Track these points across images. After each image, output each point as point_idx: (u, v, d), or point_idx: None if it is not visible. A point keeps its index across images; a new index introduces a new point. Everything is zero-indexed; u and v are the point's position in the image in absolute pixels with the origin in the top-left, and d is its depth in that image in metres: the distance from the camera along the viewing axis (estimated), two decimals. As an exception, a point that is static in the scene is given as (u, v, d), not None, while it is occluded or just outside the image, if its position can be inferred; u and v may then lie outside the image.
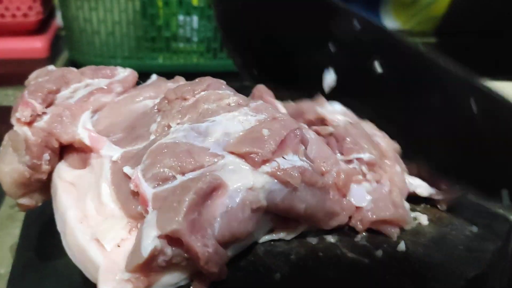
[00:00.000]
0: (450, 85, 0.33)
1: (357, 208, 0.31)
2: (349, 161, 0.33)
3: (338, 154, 0.34)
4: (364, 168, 0.33)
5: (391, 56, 0.36)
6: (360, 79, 0.38)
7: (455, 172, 0.34)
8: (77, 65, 0.39)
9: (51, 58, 0.88)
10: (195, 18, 0.76)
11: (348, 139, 0.33)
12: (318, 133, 0.35)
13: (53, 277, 0.40)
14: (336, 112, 0.37)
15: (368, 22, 0.37)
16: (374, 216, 0.31)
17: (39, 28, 0.88)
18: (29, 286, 0.38)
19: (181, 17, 0.75)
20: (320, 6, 0.40)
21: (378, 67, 0.37)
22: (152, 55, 0.77)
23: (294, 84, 0.37)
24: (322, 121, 0.36)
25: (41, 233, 0.44)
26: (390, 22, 1.17)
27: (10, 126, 0.65)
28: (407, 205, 0.32)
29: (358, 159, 0.33)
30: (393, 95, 0.37)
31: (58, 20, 0.98)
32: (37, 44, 0.86)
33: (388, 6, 1.16)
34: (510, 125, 0.31)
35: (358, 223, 0.31)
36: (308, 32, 0.41)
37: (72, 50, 0.80)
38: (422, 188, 0.35)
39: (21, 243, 0.42)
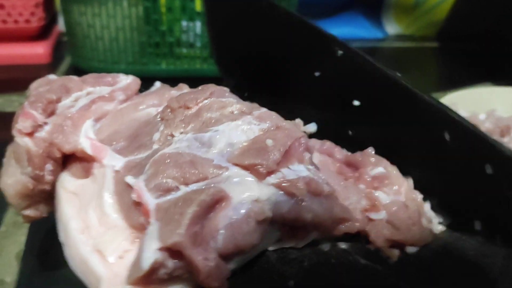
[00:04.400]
0: (425, 114, 0.33)
1: (370, 220, 0.31)
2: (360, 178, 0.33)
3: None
4: (377, 183, 0.32)
5: (369, 85, 0.37)
6: (340, 106, 0.38)
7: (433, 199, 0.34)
8: (80, 70, 0.39)
9: (54, 63, 0.88)
10: (198, 24, 0.76)
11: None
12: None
13: (61, 285, 0.40)
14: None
15: (349, 48, 0.38)
16: (390, 234, 0.30)
17: (41, 34, 0.88)
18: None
19: (184, 23, 0.75)
20: (303, 31, 0.40)
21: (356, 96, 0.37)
22: (155, 60, 0.77)
23: (283, 107, 0.37)
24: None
25: (47, 241, 0.44)
26: (392, 27, 1.17)
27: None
28: (424, 221, 0.32)
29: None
30: (370, 123, 0.37)
31: (60, 26, 0.98)
32: (39, 50, 0.86)
33: (389, 11, 1.16)
34: (482, 157, 0.30)
35: (377, 240, 0.31)
36: (294, 56, 0.42)
37: (75, 56, 0.80)
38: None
39: (27, 251, 0.42)
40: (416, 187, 0.34)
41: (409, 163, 0.34)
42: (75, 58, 0.80)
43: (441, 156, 0.33)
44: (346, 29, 1.13)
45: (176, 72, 0.77)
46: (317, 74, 0.40)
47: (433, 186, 0.34)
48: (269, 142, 0.28)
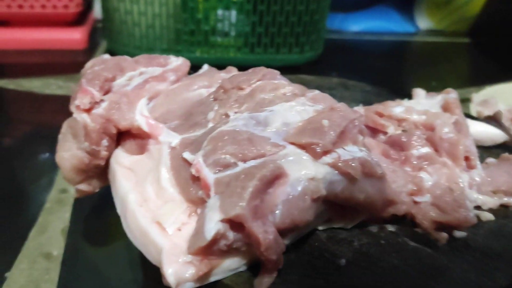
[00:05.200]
0: None
1: (415, 202, 0.31)
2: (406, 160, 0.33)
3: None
4: (422, 163, 0.33)
5: None
6: None
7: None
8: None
9: (89, 49, 0.90)
10: (233, 13, 0.76)
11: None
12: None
13: (106, 259, 0.41)
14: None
15: None
16: (436, 216, 0.31)
17: (78, 20, 0.89)
18: (83, 267, 0.39)
19: (220, 11, 0.76)
20: None
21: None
22: (190, 48, 0.78)
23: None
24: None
25: (90, 217, 0.46)
26: (424, 21, 1.16)
27: (53, 114, 0.67)
28: (470, 204, 0.32)
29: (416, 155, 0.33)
30: None
31: (96, 12, 1.00)
32: (76, 36, 0.87)
33: (422, 6, 1.15)
34: None
35: (424, 221, 0.31)
36: None
37: (111, 41, 0.81)
38: (489, 203, 0.34)
39: (72, 227, 0.43)
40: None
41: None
42: (111, 43, 0.81)
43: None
44: (378, 22, 1.13)
45: (209, 60, 0.77)
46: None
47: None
48: (325, 122, 0.28)
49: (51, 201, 0.48)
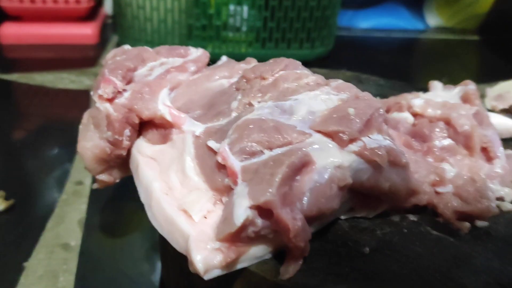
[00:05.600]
0: None
1: (437, 193, 0.31)
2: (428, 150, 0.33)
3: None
4: (445, 154, 0.33)
5: None
6: None
7: None
8: None
9: (101, 44, 0.90)
10: (245, 8, 0.76)
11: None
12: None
13: (123, 250, 0.41)
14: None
15: None
16: (459, 206, 0.31)
17: (90, 15, 0.89)
18: (100, 258, 0.39)
19: (231, 7, 0.76)
20: None
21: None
22: (201, 43, 0.78)
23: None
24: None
25: (107, 208, 0.46)
26: (433, 19, 1.16)
27: (65, 107, 0.67)
28: (492, 195, 0.32)
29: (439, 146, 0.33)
30: None
31: (106, 8, 1.00)
32: (87, 31, 0.88)
33: (431, 3, 1.15)
34: None
35: (446, 211, 0.31)
36: None
37: (122, 36, 0.81)
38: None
39: (89, 218, 0.44)
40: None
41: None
42: (123, 39, 0.81)
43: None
44: (387, 19, 1.13)
45: (221, 55, 0.78)
46: None
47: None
48: (351, 110, 0.28)
49: (67, 192, 0.48)
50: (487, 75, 0.87)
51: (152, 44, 0.77)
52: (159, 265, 0.39)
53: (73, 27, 0.87)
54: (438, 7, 1.15)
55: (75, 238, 0.42)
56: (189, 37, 0.77)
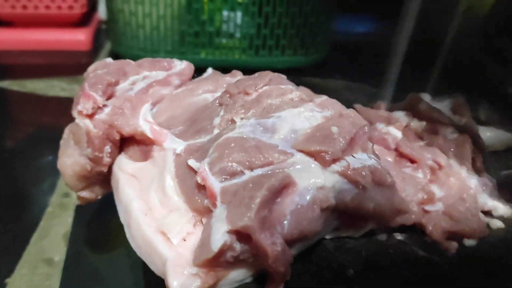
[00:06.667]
0: None
1: (425, 211, 0.31)
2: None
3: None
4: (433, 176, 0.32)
5: None
6: None
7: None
8: (120, 58, 0.39)
9: (94, 51, 0.89)
10: (239, 14, 0.76)
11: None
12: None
13: (107, 265, 0.40)
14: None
15: None
16: (448, 226, 0.30)
17: (83, 21, 0.89)
18: (84, 273, 0.39)
19: (225, 13, 0.75)
20: None
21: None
22: (194, 50, 0.77)
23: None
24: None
25: (92, 222, 0.45)
26: (430, 22, 1.15)
27: (56, 115, 0.66)
28: (481, 215, 0.31)
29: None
30: None
31: (100, 14, 0.99)
32: (80, 37, 0.87)
33: (428, 6, 1.14)
34: None
35: (434, 232, 0.30)
36: None
37: (115, 43, 0.81)
38: (500, 209, 0.34)
39: (74, 232, 0.43)
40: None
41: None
42: (115, 45, 0.81)
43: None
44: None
45: (214, 62, 0.77)
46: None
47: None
48: (334, 129, 0.27)
49: (53, 205, 0.47)
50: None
51: (145, 51, 0.77)
52: (143, 282, 0.38)
53: (66, 33, 0.86)
54: (435, 11, 1.14)
55: (59, 253, 0.41)
56: (182, 44, 0.77)
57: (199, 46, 0.77)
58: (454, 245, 0.30)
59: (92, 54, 0.88)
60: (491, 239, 0.31)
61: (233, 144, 0.27)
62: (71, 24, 0.87)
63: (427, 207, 0.31)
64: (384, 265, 0.28)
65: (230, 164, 0.26)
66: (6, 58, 0.84)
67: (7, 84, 0.74)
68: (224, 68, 0.40)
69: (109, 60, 0.37)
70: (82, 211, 0.46)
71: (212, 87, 0.36)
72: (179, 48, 0.77)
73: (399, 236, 0.31)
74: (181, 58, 0.75)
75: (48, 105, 0.70)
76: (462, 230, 0.30)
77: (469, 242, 0.31)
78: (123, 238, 0.30)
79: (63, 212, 0.46)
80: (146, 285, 0.37)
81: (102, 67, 0.36)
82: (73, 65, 0.83)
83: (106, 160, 0.32)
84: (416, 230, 0.31)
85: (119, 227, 0.30)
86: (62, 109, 0.69)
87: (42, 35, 0.86)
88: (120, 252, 0.41)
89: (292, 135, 0.28)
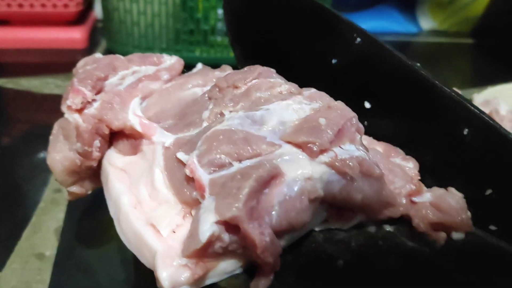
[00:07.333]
0: (445, 107, 0.33)
1: (413, 203, 0.31)
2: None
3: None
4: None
5: (387, 75, 0.36)
6: (357, 95, 0.38)
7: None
8: None
9: (89, 49, 0.89)
10: (233, 12, 0.76)
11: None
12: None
13: (98, 260, 0.40)
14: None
15: (368, 36, 0.37)
16: (435, 218, 0.30)
17: (78, 19, 0.89)
18: (75, 268, 0.39)
19: (220, 11, 0.75)
20: (322, 16, 0.40)
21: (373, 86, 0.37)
22: (189, 48, 0.77)
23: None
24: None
25: (84, 217, 0.45)
26: (427, 22, 1.15)
27: (51, 113, 0.66)
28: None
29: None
30: (387, 114, 0.37)
31: (96, 12, 0.99)
32: (76, 35, 0.87)
33: (424, 6, 1.14)
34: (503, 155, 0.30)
35: (421, 224, 0.30)
36: (311, 41, 0.41)
37: (110, 41, 0.81)
38: None
39: (66, 227, 0.43)
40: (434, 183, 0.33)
41: (426, 157, 0.34)
42: (111, 43, 0.81)
43: (460, 152, 0.32)
44: (380, 23, 1.12)
45: (209, 60, 0.77)
46: (334, 61, 0.39)
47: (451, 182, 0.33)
48: (322, 121, 0.27)
49: (45, 200, 0.48)
50: (481, 79, 0.86)
51: (140, 48, 0.77)
52: (134, 276, 0.38)
53: (61, 31, 0.86)
54: (431, 10, 1.14)
55: (50, 248, 0.41)
56: (176, 42, 0.77)
57: (194, 44, 0.77)
58: (442, 235, 0.30)
59: (88, 52, 0.87)
60: (479, 232, 0.31)
61: (221, 137, 0.27)
62: (67, 22, 0.87)
63: (415, 198, 0.31)
64: (373, 256, 0.28)
65: (218, 156, 0.26)
66: (1, 56, 0.84)
67: (2, 82, 0.74)
68: (218, 66, 0.40)
69: (99, 55, 0.37)
70: (74, 206, 0.46)
71: (201, 81, 0.36)
72: (174, 46, 0.77)
73: (388, 228, 0.31)
74: (176, 55, 0.76)
75: (43, 103, 0.70)
76: (451, 221, 0.30)
77: (456, 235, 0.30)
78: (114, 233, 0.30)
79: (55, 208, 0.46)
80: (137, 279, 0.37)
81: (92, 62, 0.36)
82: (69, 63, 0.82)
83: (96, 154, 0.32)
84: (405, 221, 0.31)
85: (111, 223, 0.30)
86: (57, 107, 0.68)
87: (38, 34, 0.86)
88: (111, 247, 0.41)
89: (280, 127, 0.28)
